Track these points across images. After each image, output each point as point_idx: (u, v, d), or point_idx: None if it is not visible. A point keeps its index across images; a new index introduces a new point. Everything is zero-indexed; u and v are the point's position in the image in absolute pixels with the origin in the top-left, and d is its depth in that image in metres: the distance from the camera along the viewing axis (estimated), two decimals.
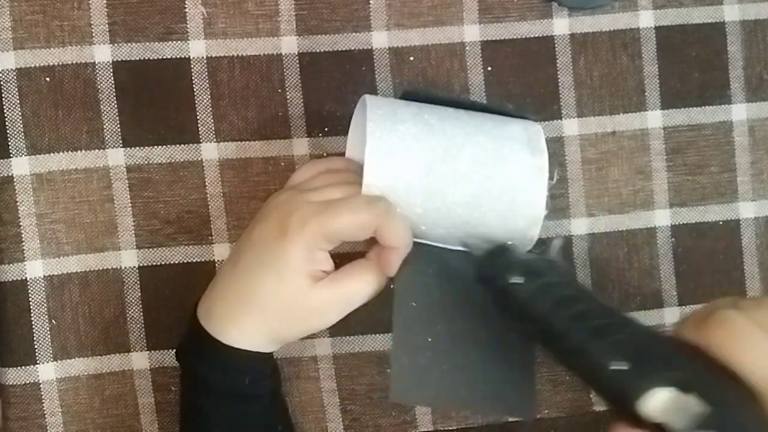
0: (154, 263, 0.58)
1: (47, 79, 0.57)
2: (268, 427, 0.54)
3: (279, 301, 0.49)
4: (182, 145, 0.58)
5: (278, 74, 0.58)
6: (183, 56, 0.57)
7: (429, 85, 0.58)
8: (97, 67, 0.57)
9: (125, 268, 0.58)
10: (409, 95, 0.53)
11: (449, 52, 0.58)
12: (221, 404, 0.51)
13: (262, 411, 0.53)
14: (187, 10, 0.57)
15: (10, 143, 0.57)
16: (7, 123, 0.57)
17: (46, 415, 0.58)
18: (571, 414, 0.59)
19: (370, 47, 0.58)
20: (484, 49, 0.58)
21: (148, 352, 0.58)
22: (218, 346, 0.49)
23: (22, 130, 0.57)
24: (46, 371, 0.57)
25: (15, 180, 0.57)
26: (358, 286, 0.49)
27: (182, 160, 0.58)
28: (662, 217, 0.59)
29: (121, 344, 0.58)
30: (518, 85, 0.59)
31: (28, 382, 0.57)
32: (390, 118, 0.49)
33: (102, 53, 0.57)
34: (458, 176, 0.48)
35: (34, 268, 0.57)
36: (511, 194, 0.49)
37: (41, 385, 0.57)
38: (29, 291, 0.57)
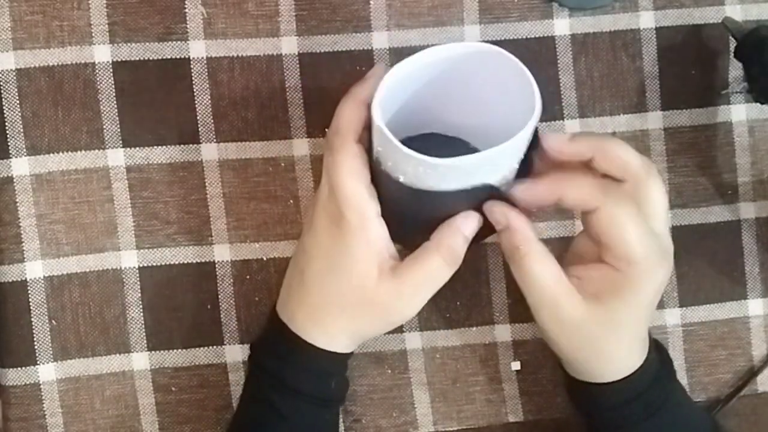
0: (154, 263, 0.58)
1: (47, 79, 0.57)
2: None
3: (354, 298, 0.48)
4: (182, 146, 0.57)
5: (278, 74, 0.58)
6: (183, 56, 0.57)
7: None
8: (96, 67, 0.57)
9: (125, 268, 0.58)
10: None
11: None
12: (303, 407, 0.50)
13: (337, 416, 0.52)
14: (187, 10, 0.57)
15: (9, 143, 0.57)
16: (6, 123, 0.57)
17: (46, 416, 0.58)
18: (571, 414, 0.59)
19: (370, 47, 0.58)
20: None
21: (148, 352, 0.58)
22: (306, 348, 0.49)
23: (21, 130, 0.57)
24: (47, 372, 0.57)
25: (15, 180, 0.57)
26: (423, 274, 0.47)
27: (182, 160, 0.58)
28: None
29: (121, 344, 0.58)
30: None
31: (28, 382, 0.57)
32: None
33: (102, 53, 0.57)
34: None
35: (34, 269, 0.57)
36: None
37: (41, 386, 0.57)
38: (29, 291, 0.57)
